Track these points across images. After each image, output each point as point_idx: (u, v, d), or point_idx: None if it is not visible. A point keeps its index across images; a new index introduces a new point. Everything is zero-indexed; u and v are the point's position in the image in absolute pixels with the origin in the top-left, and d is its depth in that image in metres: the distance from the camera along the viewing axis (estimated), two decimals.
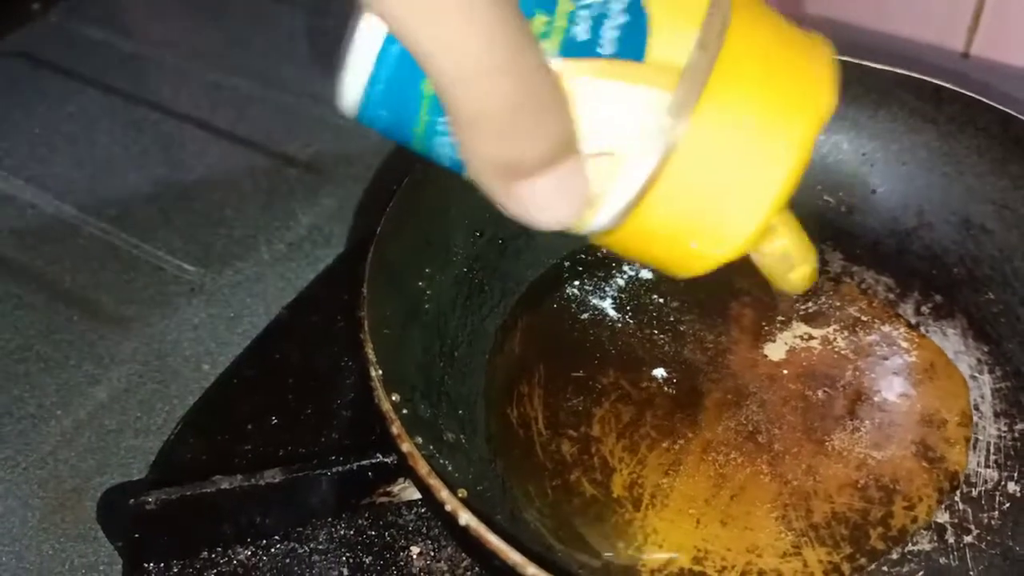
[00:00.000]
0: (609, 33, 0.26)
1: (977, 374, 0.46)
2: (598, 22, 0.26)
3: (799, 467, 0.42)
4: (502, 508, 0.39)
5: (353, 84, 0.26)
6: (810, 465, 0.42)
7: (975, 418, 0.44)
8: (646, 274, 0.50)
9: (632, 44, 0.26)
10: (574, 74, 0.25)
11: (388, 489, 0.40)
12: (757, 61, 0.28)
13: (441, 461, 0.34)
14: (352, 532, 0.41)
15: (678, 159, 0.27)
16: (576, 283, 0.49)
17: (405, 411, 0.35)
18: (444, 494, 0.30)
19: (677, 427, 0.43)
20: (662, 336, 0.47)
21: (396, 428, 0.33)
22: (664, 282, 0.49)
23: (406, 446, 0.32)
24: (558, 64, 0.25)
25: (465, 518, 0.30)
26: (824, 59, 0.29)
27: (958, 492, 0.41)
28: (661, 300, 0.49)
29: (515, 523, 0.39)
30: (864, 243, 0.51)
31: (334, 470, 0.39)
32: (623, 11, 0.26)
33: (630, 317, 0.48)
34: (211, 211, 0.58)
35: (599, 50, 0.26)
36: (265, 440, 0.44)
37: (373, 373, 0.35)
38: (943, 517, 0.40)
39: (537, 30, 0.25)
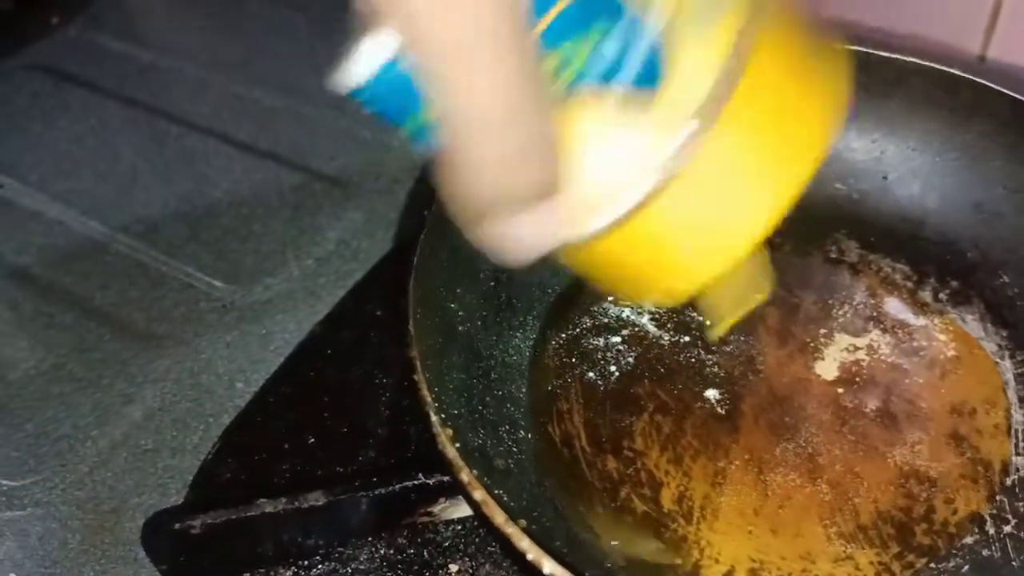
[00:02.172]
0: (627, 71, 0.26)
1: (999, 360, 0.46)
2: (619, 57, 0.26)
3: (841, 469, 0.42)
4: (559, 533, 0.39)
5: (351, 79, 0.27)
6: (851, 465, 0.42)
7: (1003, 404, 0.44)
8: None
9: (646, 84, 0.27)
10: (582, 106, 0.26)
11: (429, 509, 0.40)
12: (764, 110, 0.28)
13: (497, 492, 0.34)
14: (392, 551, 0.41)
15: (664, 198, 0.28)
16: (611, 298, 0.49)
17: (458, 444, 0.35)
18: (525, 543, 0.31)
19: (719, 439, 0.43)
20: (709, 356, 0.47)
21: (466, 475, 0.33)
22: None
23: (479, 494, 0.33)
24: (568, 96, 0.26)
25: (549, 567, 0.30)
26: (837, 98, 0.30)
27: (995, 482, 0.41)
28: (701, 316, 0.48)
29: (573, 548, 0.38)
30: (878, 230, 0.52)
31: (377, 492, 0.39)
32: (645, 51, 0.26)
33: (670, 334, 0.48)
34: (238, 227, 0.58)
35: (614, 85, 0.26)
36: (303, 459, 0.44)
37: (433, 417, 0.35)
38: (983, 508, 0.40)
39: (554, 64, 0.25)
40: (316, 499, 0.39)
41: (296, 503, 0.39)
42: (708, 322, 0.37)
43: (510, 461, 0.41)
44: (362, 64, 0.26)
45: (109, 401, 0.49)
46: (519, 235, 0.26)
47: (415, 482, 0.39)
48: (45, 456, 0.47)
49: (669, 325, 0.48)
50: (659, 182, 0.27)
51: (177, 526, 0.39)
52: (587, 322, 0.48)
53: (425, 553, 0.41)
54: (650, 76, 0.26)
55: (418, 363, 0.36)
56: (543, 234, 0.26)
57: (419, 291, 0.40)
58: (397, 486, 0.39)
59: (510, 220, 0.25)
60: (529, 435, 0.43)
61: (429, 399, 0.35)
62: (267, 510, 0.39)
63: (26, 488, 0.46)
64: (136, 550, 0.43)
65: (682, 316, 0.48)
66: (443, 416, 0.35)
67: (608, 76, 0.26)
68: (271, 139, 0.64)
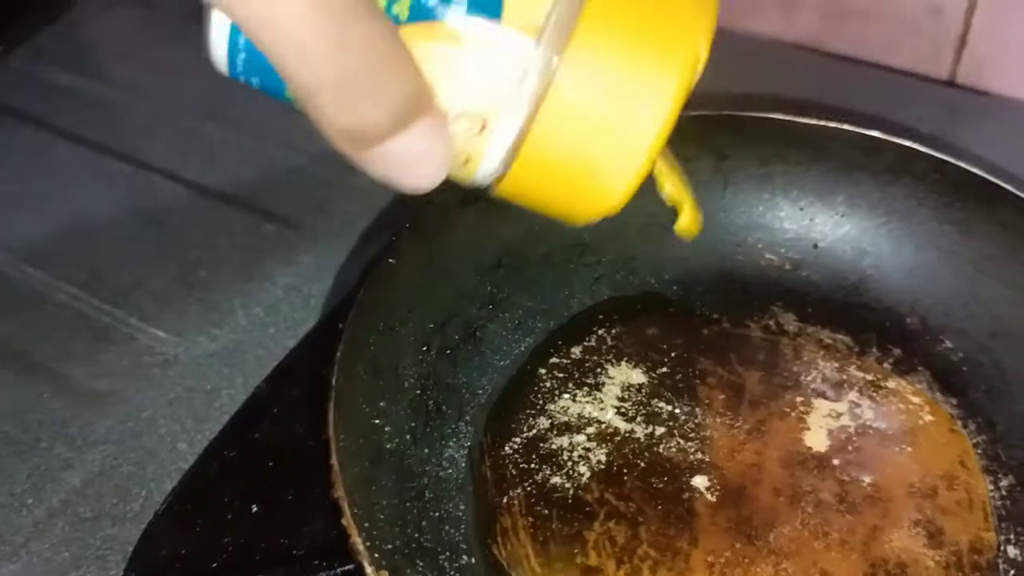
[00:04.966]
0: None
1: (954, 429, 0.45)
2: None
3: (807, 566, 0.40)
4: None
5: (217, 54, 0.26)
6: (816, 561, 0.40)
7: (963, 477, 0.43)
8: (639, 378, 0.48)
9: (487, 2, 0.26)
10: (428, 38, 0.25)
11: None
12: (629, 11, 0.27)
13: None
14: None
15: (549, 110, 0.27)
16: (567, 396, 0.47)
17: None
18: None
19: (673, 542, 0.41)
20: (690, 444, 0.45)
21: None
22: (663, 387, 0.47)
23: None
24: (409, 28, 0.25)
25: None
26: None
27: (965, 565, 0.40)
28: (669, 406, 0.47)
29: None
30: (814, 300, 0.51)
31: None
32: None
33: (642, 427, 0.46)
34: (185, 273, 0.56)
35: (452, 11, 0.25)
36: (247, 531, 0.42)
37: (369, 570, 0.32)
38: None
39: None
40: None
41: None
42: (682, 217, 0.35)
43: None
44: (215, 39, 0.26)
45: (47, 466, 0.47)
46: (396, 160, 0.25)
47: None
48: None
49: (639, 418, 0.46)
50: (531, 105, 0.27)
51: None
52: (543, 423, 0.46)
53: None
54: (485, 5, 0.26)
55: (346, 505, 0.34)
56: (424, 156, 0.26)
57: (341, 414, 0.37)
58: (340, 570, 0.38)
59: (380, 147, 0.25)
60: (473, 559, 0.40)
61: (363, 548, 0.33)
62: None
63: None
64: None
65: (650, 407, 0.47)
66: (378, 555, 0.32)
67: (435, 15, 0.25)
68: (222, 177, 0.62)
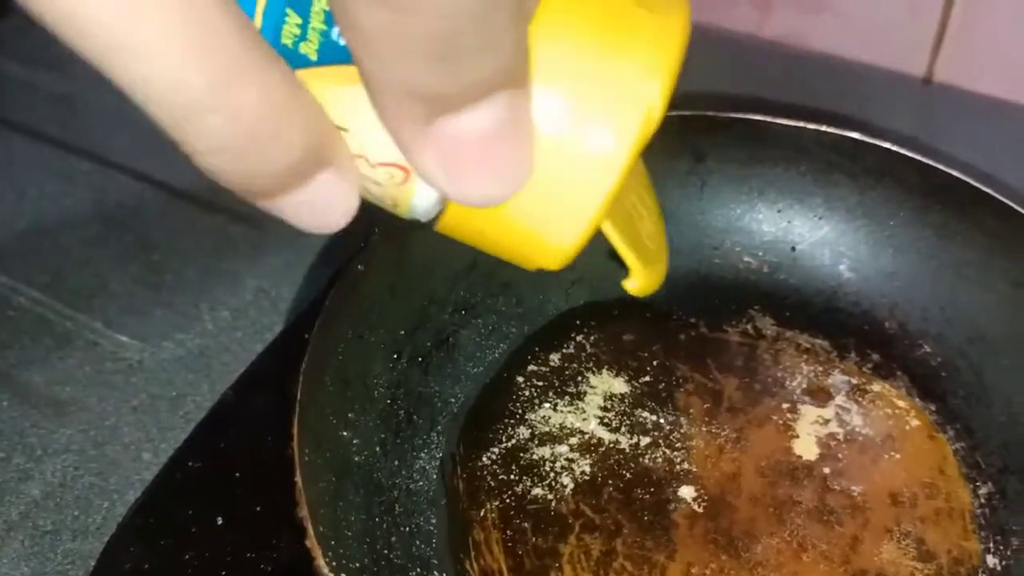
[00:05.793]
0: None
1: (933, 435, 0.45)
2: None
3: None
4: None
5: None
6: (799, 574, 0.40)
7: (944, 485, 0.42)
8: (621, 387, 0.47)
9: None
10: (340, 81, 0.22)
11: None
12: (571, 51, 0.24)
13: None
14: None
15: None
16: (547, 405, 0.46)
17: None
18: None
19: (651, 555, 0.40)
20: (676, 453, 0.44)
21: None
22: (647, 395, 0.46)
23: None
24: (318, 71, 0.22)
25: None
26: (664, 34, 0.25)
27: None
28: (654, 416, 0.46)
29: None
30: (792, 304, 0.50)
31: None
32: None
33: (626, 437, 0.45)
34: (150, 275, 0.55)
35: None
36: (211, 545, 0.41)
37: None
38: None
39: (291, 33, 0.22)
40: None
41: None
42: (630, 279, 0.32)
43: None
44: None
45: (5, 478, 0.46)
46: (306, 207, 0.23)
47: None
48: None
49: (623, 428, 0.45)
50: None
51: None
52: (523, 432, 0.45)
53: None
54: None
55: (310, 526, 0.33)
56: (334, 202, 0.23)
57: (306, 427, 0.36)
58: None
59: (280, 199, 0.22)
60: (444, 575, 0.39)
61: (327, 572, 0.32)
62: None
63: None
64: None
65: (634, 417, 0.46)
66: (344, 575, 0.31)
67: (346, 57, 0.22)
68: (188, 176, 0.60)
